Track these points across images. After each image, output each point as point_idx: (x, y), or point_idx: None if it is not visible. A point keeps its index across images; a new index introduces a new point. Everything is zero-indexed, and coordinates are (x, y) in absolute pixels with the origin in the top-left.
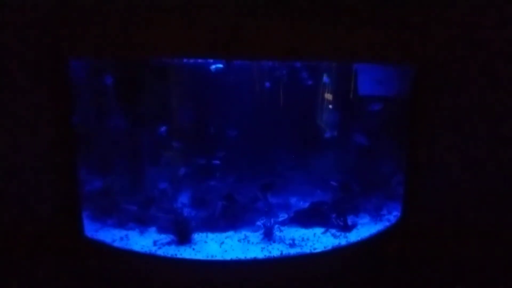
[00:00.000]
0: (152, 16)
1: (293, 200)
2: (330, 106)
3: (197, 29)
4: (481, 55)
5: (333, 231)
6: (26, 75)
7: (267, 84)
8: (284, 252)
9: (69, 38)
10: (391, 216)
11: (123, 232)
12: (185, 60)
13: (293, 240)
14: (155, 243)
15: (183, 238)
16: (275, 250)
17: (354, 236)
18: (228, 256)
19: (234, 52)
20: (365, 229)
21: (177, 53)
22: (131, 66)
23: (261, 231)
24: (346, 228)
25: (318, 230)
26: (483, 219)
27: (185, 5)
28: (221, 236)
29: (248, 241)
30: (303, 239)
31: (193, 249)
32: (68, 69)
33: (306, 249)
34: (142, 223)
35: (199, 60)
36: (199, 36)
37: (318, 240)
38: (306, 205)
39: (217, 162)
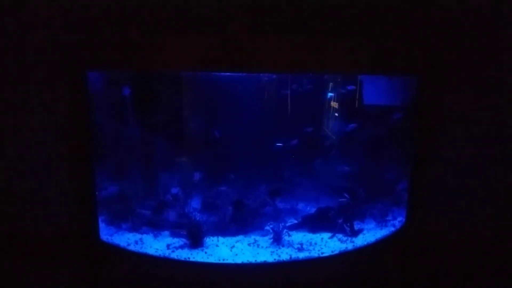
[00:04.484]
0: (164, 31)
1: (300, 205)
2: (336, 114)
3: (206, 44)
4: (483, 62)
5: (340, 236)
6: (47, 86)
7: (276, 93)
8: (293, 256)
9: (87, 51)
10: (396, 222)
11: (137, 236)
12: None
13: (301, 244)
14: (168, 246)
15: (196, 242)
16: (284, 254)
17: (360, 241)
18: (239, 260)
19: (244, 65)
20: (371, 234)
21: (187, 67)
22: (146, 77)
23: (270, 236)
24: (353, 233)
25: (325, 235)
26: (487, 225)
27: (196, 21)
28: (232, 240)
29: (258, 245)
30: (311, 244)
31: (205, 252)
32: (86, 81)
33: (314, 253)
34: (155, 227)
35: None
36: (207, 51)
37: (325, 244)
38: (313, 210)
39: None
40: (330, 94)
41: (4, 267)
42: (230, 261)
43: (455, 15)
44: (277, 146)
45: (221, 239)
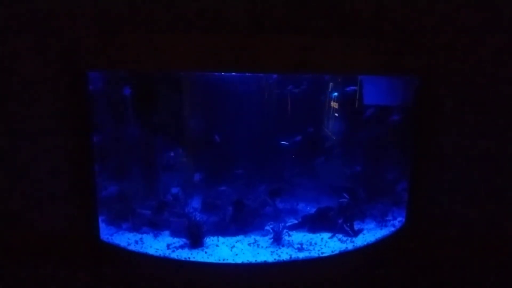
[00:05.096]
0: (164, 32)
1: (300, 205)
2: (337, 115)
3: (210, 44)
4: (484, 62)
5: (340, 236)
6: (47, 87)
7: (276, 94)
8: (293, 256)
9: (87, 51)
10: (396, 222)
11: (137, 236)
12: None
13: (301, 244)
14: (168, 246)
15: (196, 242)
16: (284, 254)
17: (360, 241)
18: (239, 260)
19: (246, 66)
20: (371, 234)
21: (187, 67)
22: (146, 77)
23: (270, 236)
24: (353, 233)
25: (326, 235)
26: (487, 225)
27: (196, 21)
28: (232, 240)
29: (258, 245)
30: (311, 244)
31: (205, 252)
32: (86, 81)
33: (314, 253)
34: (156, 227)
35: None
36: (207, 51)
37: (325, 244)
38: (313, 210)
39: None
40: (330, 94)
41: (4, 266)
42: (230, 261)
43: (455, 15)
44: (282, 145)
45: (221, 239)
